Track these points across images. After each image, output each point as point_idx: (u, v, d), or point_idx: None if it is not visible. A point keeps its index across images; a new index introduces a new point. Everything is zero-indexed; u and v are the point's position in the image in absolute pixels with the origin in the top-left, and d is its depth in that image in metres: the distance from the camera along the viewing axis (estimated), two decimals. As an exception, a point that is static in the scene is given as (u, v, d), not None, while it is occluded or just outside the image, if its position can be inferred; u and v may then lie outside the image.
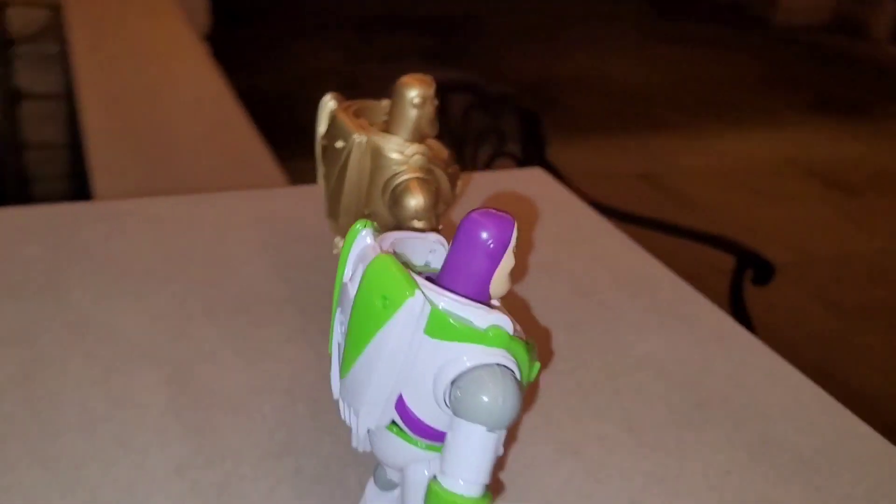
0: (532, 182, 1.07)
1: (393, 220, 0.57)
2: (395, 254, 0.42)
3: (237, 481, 0.56)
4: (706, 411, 0.68)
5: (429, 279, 0.42)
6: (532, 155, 2.45)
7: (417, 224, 0.56)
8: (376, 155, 0.57)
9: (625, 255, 0.91)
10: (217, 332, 0.70)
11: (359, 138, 0.56)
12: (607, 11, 6.40)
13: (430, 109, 0.59)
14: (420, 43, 5.46)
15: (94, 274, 0.77)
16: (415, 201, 0.56)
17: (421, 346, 0.38)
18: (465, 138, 2.45)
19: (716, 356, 0.75)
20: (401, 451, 0.42)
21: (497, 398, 0.37)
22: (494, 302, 0.44)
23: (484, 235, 0.40)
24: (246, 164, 1.52)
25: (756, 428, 0.67)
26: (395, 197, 0.56)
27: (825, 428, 0.67)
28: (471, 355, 0.38)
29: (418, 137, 0.59)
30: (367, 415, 0.40)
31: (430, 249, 0.45)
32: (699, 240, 2.13)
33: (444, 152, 0.63)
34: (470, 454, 0.38)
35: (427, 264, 0.45)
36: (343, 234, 0.60)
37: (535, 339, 0.44)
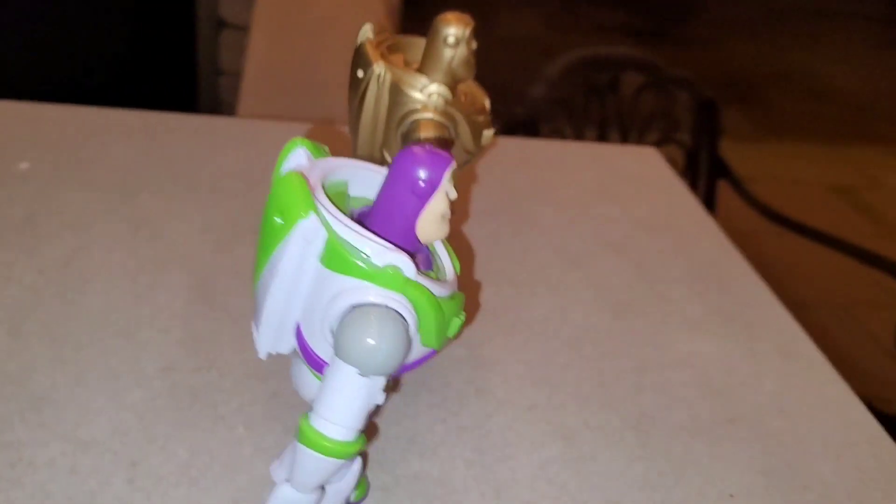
0: (642, 161, 1.00)
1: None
2: (332, 181, 0.40)
3: (213, 392, 0.57)
4: (734, 427, 0.61)
5: (362, 214, 0.40)
6: (702, 146, 2.31)
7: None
8: (395, 90, 0.55)
9: (711, 252, 0.83)
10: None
11: (378, 69, 0.54)
12: (839, 9, 5.88)
13: (464, 51, 0.56)
14: (625, 19, 5.28)
15: (171, 180, 0.81)
16: (419, 138, 0.54)
17: (317, 276, 0.36)
18: (632, 120, 2.36)
19: (770, 373, 0.67)
20: (306, 384, 0.41)
21: (374, 342, 0.34)
22: (440, 247, 0.42)
23: (412, 171, 0.37)
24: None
25: (786, 455, 0.59)
26: (405, 136, 0.54)
27: (871, 472, 0.59)
28: (359, 292, 0.35)
29: (450, 79, 0.56)
30: (263, 335, 0.39)
31: (380, 184, 0.42)
32: (884, 268, 1.92)
33: (479, 100, 0.59)
34: (339, 396, 0.36)
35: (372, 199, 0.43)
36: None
37: (466, 294, 0.41)
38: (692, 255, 0.82)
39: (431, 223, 0.38)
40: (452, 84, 0.56)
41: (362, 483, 0.51)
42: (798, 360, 0.69)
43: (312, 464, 0.37)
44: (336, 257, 0.36)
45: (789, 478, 0.57)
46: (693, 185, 2.11)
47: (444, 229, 0.39)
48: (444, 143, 0.54)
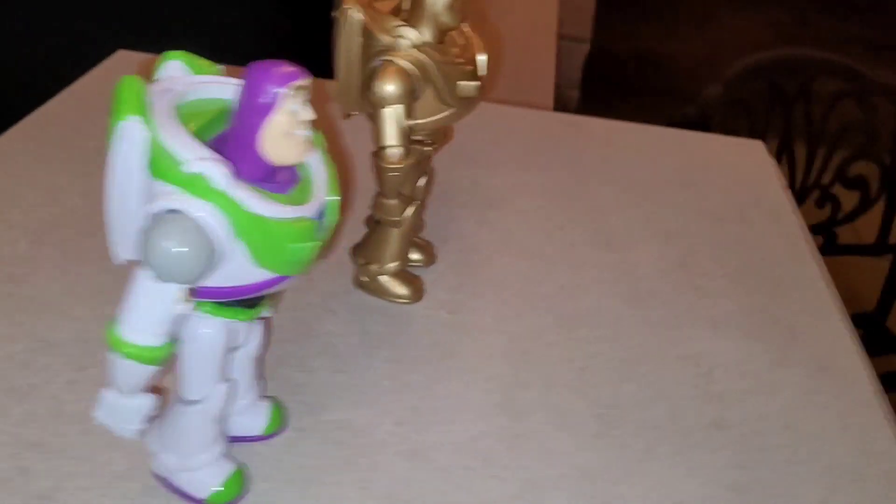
0: (741, 153, 0.91)
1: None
2: (214, 98, 0.40)
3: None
4: (719, 434, 0.54)
5: (223, 134, 0.39)
6: (903, 166, 2.07)
7: (387, 111, 0.52)
8: (366, 33, 0.54)
9: (780, 253, 0.74)
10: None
11: (350, 10, 0.53)
12: None
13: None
14: (861, 32, 4.82)
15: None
16: (380, 87, 0.52)
17: (145, 181, 0.37)
18: (823, 130, 2.15)
19: (792, 385, 0.59)
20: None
21: (167, 248, 0.34)
22: (319, 170, 0.40)
23: (251, 87, 0.37)
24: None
25: (768, 476, 0.52)
26: (367, 79, 0.53)
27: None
28: (166, 198, 0.35)
29: (433, 25, 0.54)
30: (112, 240, 0.39)
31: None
32: None
33: (471, 51, 0.57)
34: (135, 297, 0.36)
35: None
36: (344, 114, 0.58)
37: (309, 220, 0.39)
38: (756, 253, 0.73)
39: (275, 141, 0.37)
40: (438, 31, 0.54)
41: (276, 417, 0.51)
42: (834, 376, 0.60)
43: (119, 367, 0.37)
44: (155, 161, 0.36)
45: (760, 500, 0.50)
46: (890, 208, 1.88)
47: (295, 150, 0.38)
48: (411, 87, 0.52)
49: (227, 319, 0.41)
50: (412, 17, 0.54)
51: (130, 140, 0.36)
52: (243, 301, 0.41)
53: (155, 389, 0.40)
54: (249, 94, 0.36)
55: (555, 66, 1.65)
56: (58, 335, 0.55)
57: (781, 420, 0.56)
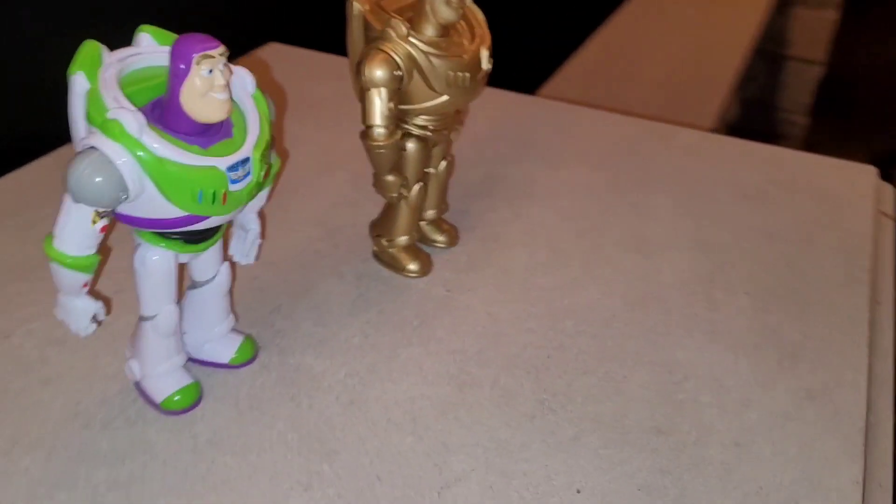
0: (847, 178, 0.86)
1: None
2: (151, 65, 0.48)
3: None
4: (659, 443, 0.54)
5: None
6: None
7: (372, 92, 0.57)
8: (366, 24, 0.59)
9: (838, 278, 0.70)
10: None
11: (355, 2, 0.59)
12: None
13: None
14: None
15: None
16: (366, 71, 0.56)
17: (86, 127, 0.45)
18: None
19: (780, 410, 0.57)
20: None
21: (78, 174, 0.42)
22: (253, 128, 0.47)
23: (174, 53, 0.44)
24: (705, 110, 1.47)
25: (690, 494, 0.51)
26: (358, 66, 0.58)
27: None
28: (89, 137, 0.43)
29: (432, 20, 0.58)
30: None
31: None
32: None
33: (467, 44, 0.60)
34: (61, 217, 0.44)
35: None
36: (357, 98, 0.65)
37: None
38: (800, 277, 0.70)
39: (192, 100, 0.44)
40: (439, 26, 0.59)
41: (244, 351, 0.58)
42: (821, 409, 0.57)
43: (56, 272, 0.46)
44: (90, 109, 0.44)
45: None
46: None
47: (210, 109, 0.44)
48: (391, 72, 0.57)
49: (170, 251, 0.49)
50: (415, 12, 0.59)
51: (75, 90, 0.44)
52: (182, 234, 0.49)
53: (97, 295, 0.49)
54: (172, 61, 0.44)
55: (730, 88, 1.59)
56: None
57: (732, 437, 0.54)
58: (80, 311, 0.48)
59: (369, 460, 0.51)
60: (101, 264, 0.50)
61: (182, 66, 0.43)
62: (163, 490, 0.49)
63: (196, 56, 0.43)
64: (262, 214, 0.57)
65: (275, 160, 0.55)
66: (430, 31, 0.59)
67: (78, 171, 0.42)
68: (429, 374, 0.58)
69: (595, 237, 0.73)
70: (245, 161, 0.47)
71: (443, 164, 0.68)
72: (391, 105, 0.58)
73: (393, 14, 0.58)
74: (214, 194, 0.46)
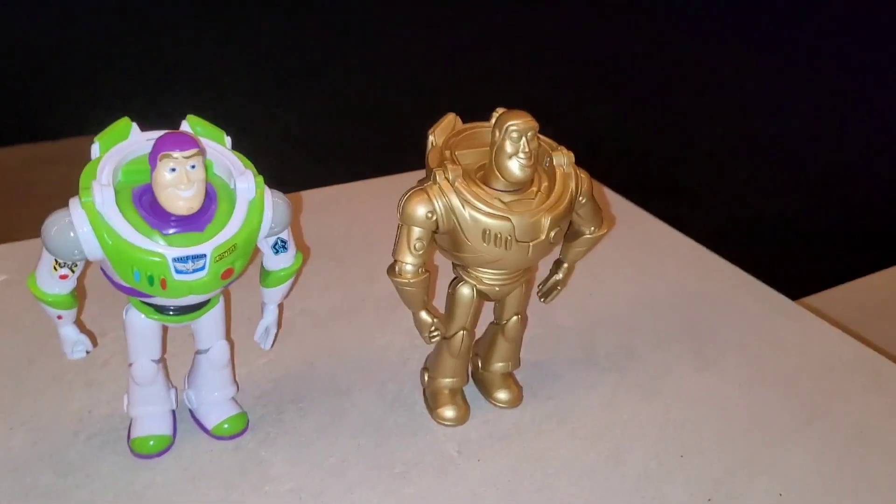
0: None
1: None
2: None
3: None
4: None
5: None
6: None
7: (404, 227, 0.56)
8: (428, 168, 0.58)
9: None
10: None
11: (432, 136, 0.58)
12: None
13: (503, 147, 0.54)
14: None
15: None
16: (402, 204, 0.54)
17: None
18: None
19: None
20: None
21: (45, 227, 0.48)
22: (225, 234, 0.51)
23: (153, 147, 0.48)
24: None
25: None
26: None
27: None
28: (72, 200, 0.49)
29: (498, 174, 0.55)
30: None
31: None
32: None
33: (528, 207, 0.54)
34: (40, 259, 0.51)
35: None
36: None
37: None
38: None
39: (158, 191, 0.48)
40: (508, 182, 0.55)
41: (234, 424, 0.61)
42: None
43: (41, 304, 0.53)
44: (84, 174, 0.50)
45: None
46: None
47: (172, 203, 0.48)
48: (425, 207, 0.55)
49: (141, 314, 0.54)
50: (488, 168, 0.56)
51: (92, 155, 0.52)
52: (151, 304, 0.53)
53: (83, 329, 0.56)
54: (150, 155, 0.49)
55: None
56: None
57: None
58: (64, 338, 0.56)
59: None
60: (80, 306, 0.57)
61: (154, 160, 0.48)
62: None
63: (160, 154, 0.47)
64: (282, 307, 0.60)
65: (296, 257, 0.57)
66: (499, 185, 0.56)
67: (46, 225, 0.49)
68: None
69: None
70: (199, 257, 0.50)
71: (514, 319, 0.63)
72: (421, 244, 0.56)
73: (450, 159, 0.56)
74: (151, 277, 0.49)
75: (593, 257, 0.89)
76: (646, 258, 0.91)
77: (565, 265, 0.67)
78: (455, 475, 0.59)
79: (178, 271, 0.50)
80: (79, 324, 0.56)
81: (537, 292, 0.68)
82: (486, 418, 0.65)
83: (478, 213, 0.55)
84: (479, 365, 0.67)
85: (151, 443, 0.59)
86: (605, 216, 0.64)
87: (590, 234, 0.64)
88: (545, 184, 0.57)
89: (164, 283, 0.50)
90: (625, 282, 0.86)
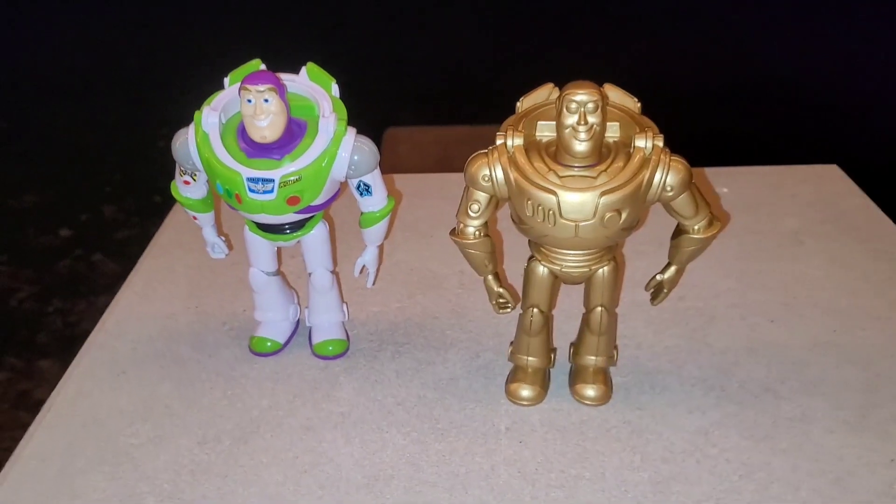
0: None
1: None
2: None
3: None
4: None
5: None
6: None
7: (465, 189, 0.56)
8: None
9: None
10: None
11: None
12: None
13: (564, 119, 0.51)
14: None
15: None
16: (465, 166, 0.54)
17: None
18: None
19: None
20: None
21: (173, 139, 0.60)
22: (302, 162, 0.58)
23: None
24: None
25: None
26: None
27: None
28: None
29: (554, 139, 0.53)
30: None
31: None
32: None
33: (585, 183, 0.50)
34: None
35: None
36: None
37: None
38: None
39: (244, 119, 0.57)
40: (570, 156, 0.54)
41: (332, 347, 0.68)
42: None
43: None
44: (207, 99, 0.60)
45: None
46: None
47: (252, 130, 0.55)
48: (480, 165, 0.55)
49: (248, 227, 0.64)
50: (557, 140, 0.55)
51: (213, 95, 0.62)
52: (255, 222, 0.63)
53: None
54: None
55: None
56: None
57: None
58: (205, 238, 0.68)
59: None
60: (217, 215, 0.68)
61: (238, 93, 0.57)
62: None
63: (240, 86, 0.56)
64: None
65: (386, 201, 0.62)
66: (564, 159, 0.54)
67: (174, 137, 0.61)
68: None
69: None
70: (267, 180, 0.58)
71: (597, 310, 0.60)
72: (477, 206, 0.57)
73: (514, 126, 0.55)
74: (229, 191, 0.58)
75: (791, 275, 0.76)
76: (861, 284, 0.75)
77: (673, 266, 0.60)
78: (487, 447, 0.59)
79: (251, 190, 0.58)
80: (218, 230, 0.68)
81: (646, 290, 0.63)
82: (560, 407, 0.62)
83: (525, 182, 0.53)
84: (572, 354, 0.64)
85: (268, 344, 0.69)
86: (719, 213, 0.56)
87: (694, 233, 0.57)
88: (619, 164, 0.53)
89: (238, 198, 0.58)
90: (816, 310, 0.72)
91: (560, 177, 0.53)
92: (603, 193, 0.52)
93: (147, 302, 0.76)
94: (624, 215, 0.53)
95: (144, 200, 1.97)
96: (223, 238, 0.69)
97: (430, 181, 0.96)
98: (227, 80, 0.61)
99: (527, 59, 2.79)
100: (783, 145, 2.09)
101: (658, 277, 0.61)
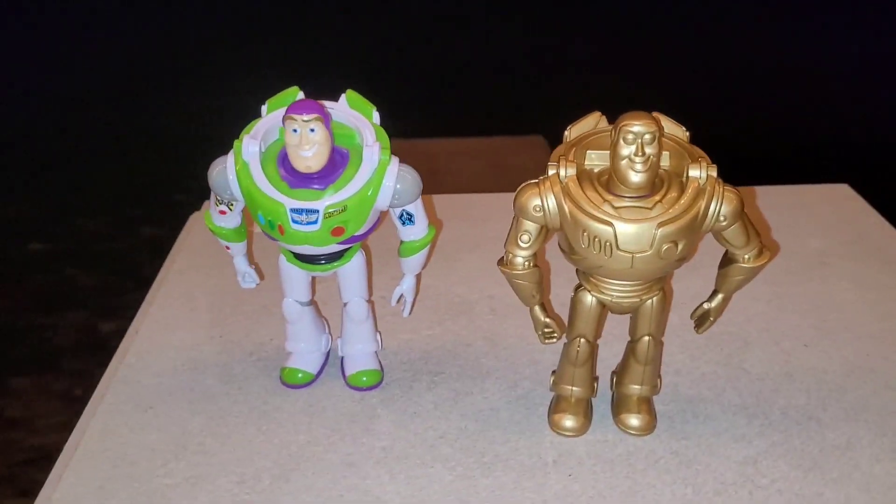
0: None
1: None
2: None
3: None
4: None
5: None
6: None
7: (515, 219, 0.55)
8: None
9: None
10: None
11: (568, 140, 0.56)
12: None
13: (620, 149, 0.50)
14: None
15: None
16: (515, 196, 0.54)
17: None
18: None
19: None
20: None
21: (210, 169, 0.58)
22: (347, 193, 0.57)
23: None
24: None
25: None
26: None
27: None
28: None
29: (606, 169, 0.52)
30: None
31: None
32: None
33: (642, 215, 0.49)
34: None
35: None
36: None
37: None
38: None
39: (288, 149, 0.55)
40: (625, 188, 0.53)
41: (367, 378, 0.67)
42: None
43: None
44: (246, 128, 0.58)
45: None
46: None
47: (297, 160, 0.54)
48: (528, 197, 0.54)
49: (284, 258, 0.63)
50: (610, 171, 0.54)
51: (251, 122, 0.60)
52: (292, 252, 0.61)
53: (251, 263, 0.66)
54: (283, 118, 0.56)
55: None
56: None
57: None
58: (236, 267, 0.66)
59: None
60: (249, 244, 0.66)
61: (283, 122, 0.55)
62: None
63: (284, 116, 0.54)
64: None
65: (428, 230, 0.61)
66: (619, 190, 0.53)
67: (211, 166, 0.59)
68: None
69: None
70: (312, 211, 0.56)
71: (644, 339, 0.59)
72: (528, 237, 0.56)
73: (566, 156, 0.54)
74: (272, 222, 0.57)
75: (820, 297, 0.77)
76: (891, 306, 0.75)
77: (720, 295, 0.60)
78: (536, 482, 0.58)
79: (294, 221, 0.56)
80: (250, 259, 0.66)
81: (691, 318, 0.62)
82: (606, 438, 0.62)
83: (580, 213, 0.52)
84: (615, 382, 0.64)
85: (300, 375, 0.67)
86: (768, 243, 0.56)
87: (744, 262, 0.57)
88: (674, 195, 0.53)
89: (281, 229, 0.57)
90: (850, 333, 0.73)
91: (615, 207, 0.52)
92: (660, 225, 0.51)
93: (168, 332, 0.74)
94: (681, 246, 0.52)
95: (122, 214, 1.94)
96: (253, 267, 0.67)
97: (447, 202, 0.95)
98: (264, 108, 0.60)
99: (509, 70, 2.79)
100: (778, 165, 2.12)
101: (705, 306, 0.60)
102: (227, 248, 0.65)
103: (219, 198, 0.61)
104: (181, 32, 3.20)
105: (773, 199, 0.94)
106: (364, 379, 0.67)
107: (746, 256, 0.56)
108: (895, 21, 3.19)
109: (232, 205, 0.61)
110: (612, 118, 0.55)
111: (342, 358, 0.68)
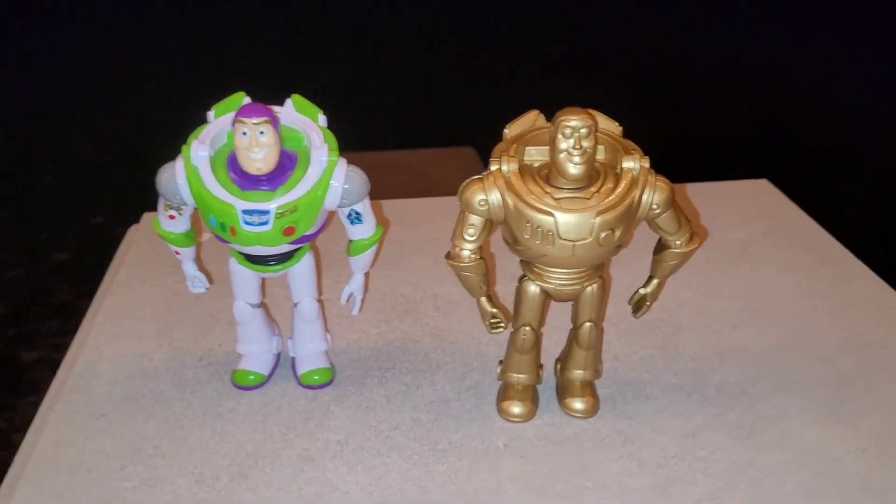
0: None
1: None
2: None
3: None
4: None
5: None
6: None
7: (460, 214, 0.58)
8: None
9: None
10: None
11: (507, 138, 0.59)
12: None
13: (558, 139, 0.53)
14: None
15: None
16: (460, 192, 0.56)
17: None
18: None
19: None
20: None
21: (157, 174, 0.58)
22: (295, 194, 0.58)
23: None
24: None
25: None
26: None
27: None
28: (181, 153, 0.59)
29: (546, 163, 0.55)
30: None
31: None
32: None
33: (583, 205, 0.53)
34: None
35: None
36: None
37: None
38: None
39: (237, 151, 0.56)
40: (564, 179, 0.56)
41: (319, 376, 0.68)
42: None
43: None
44: (193, 134, 0.59)
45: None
46: None
47: (246, 162, 0.55)
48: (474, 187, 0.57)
49: (235, 260, 0.64)
50: (550, 164, 0.57)
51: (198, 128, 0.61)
52: (243, 253, 0.62)
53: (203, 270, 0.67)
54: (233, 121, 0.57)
55: None
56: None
57: None
58: (185, 273, 0.67)
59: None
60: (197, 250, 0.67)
61: (232, 125, 0.57)
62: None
63: (235, 119, 0.56)
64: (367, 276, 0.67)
65: (375, 229, 0.63)
66: (558, 182, 0.56)
67: (159, 171, 0.60)
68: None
69: None
70: (263, 212, 0.57)
71: (586, 325, 0.62)
72: (474, 230, 0.58)
73: (508, 152, 0.57)
74: (223, 224, 0.58)
75: (745, 282, 0.81)
76: (813, 287, 0.80)
77: (654, 280, 0.63)
78: (490, 464, 0.60)
79: (246, 222, 0.58)
80: (199, 264, 0.67)
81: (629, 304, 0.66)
82: (553, 421, 0.64)
83: (523, 206, 0.55)
84: (559, 369, 0.67)
85: (251, 377, 0.68)
86: (697, 229, 0.60)
87: (676, 247, 0.60)
88: (609, 185, 0.56)
89: (233, 231, 0.58)
90: (775, 313, 0.77)
91: (556, 199, 0.55)
92: (598, 213, 0.55)
93: (116, 341, 0.74)
94: (618, 233, 0.56)
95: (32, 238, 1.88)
96: (202, 273, 0.68)
97: (387, 207, 0.97)
98: (211, 114, 0.61)
99: (449, 83, 2.83)
100: (702, 163, 2.20)
101: (641, 291, 0.64)
102: (177, 253, 0.65)
103: (168, 203, 0.61)
104: (94, 53, 3.15)
105: (697, 195, 0.99)
106: (316, 377, 0.68)
107: (678, 242, 0.60)
108: (808, 22, 3.36)
109: (181, 209, 0.62)
110: (548, 119, 0.58)
111: (293, 358, 0.69)
